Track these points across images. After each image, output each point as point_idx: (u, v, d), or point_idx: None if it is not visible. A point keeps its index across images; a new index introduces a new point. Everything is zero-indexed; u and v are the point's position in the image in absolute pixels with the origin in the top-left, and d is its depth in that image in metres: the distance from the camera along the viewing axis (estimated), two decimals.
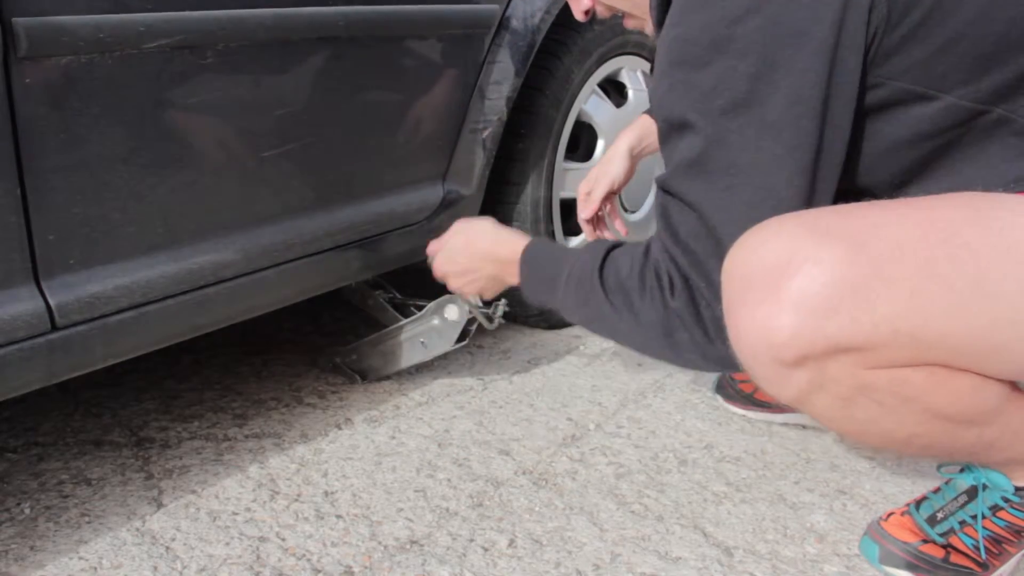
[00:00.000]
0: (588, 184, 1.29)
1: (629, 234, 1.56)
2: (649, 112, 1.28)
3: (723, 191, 0.81)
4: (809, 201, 0.79)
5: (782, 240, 0.74)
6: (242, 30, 0.94)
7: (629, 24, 1.04)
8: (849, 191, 0.86)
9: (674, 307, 0.85)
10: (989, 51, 0.76)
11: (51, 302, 0.86)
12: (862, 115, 0.81)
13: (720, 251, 0.81)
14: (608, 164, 1.27)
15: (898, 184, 0.85)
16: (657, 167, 1.58)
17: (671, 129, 0.84)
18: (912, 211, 0.75)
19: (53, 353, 0.88)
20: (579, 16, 1.06)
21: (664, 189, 0.86)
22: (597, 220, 1.33)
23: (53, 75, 0.81)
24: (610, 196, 1.31)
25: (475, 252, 1.12)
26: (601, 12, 1.05)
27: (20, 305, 0.84)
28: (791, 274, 0.72)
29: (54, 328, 0.87)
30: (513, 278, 1.07)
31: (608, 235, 1.34)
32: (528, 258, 1.04)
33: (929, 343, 0.72)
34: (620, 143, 1.27)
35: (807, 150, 0.78)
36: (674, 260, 0.85)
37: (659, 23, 0.88)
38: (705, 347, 0.86)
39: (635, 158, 1.27)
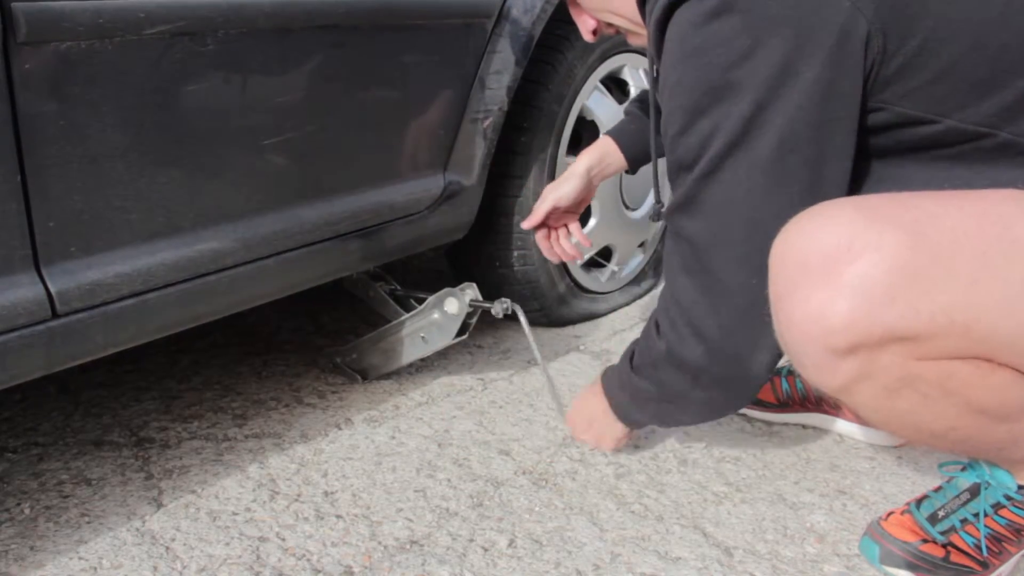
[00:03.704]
0: (542, 200, 1.27)
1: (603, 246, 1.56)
2: (611, 134, 1.27)
3: (717, 227, 0.85)
4: None
5: (840, 226, 0.74)
6: (242, 17, 0.94)
7: (633, 41, 1.05)
8: None
9: (660, 347, 0.95)
10: (986, 76, 0.77)
11: (51, 289, 0.86)
12: (865, 135, 0.83)
13: (711, 286, 0.87)
14: (561, 182, 1.26)
15: None
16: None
17: (678, 170, 0.88)
18: (966, 203, 0.75)
19: (53, 340, 0.87)
20: (587, 36, 1.07)
21: (668, 224, 0.92)
22: (552, 233, 1.31)
23: (53, 61, 0.80)
24: (562, 214, 1.29)
25: (587, 411, 1.18)
26: (608, 31, 1.06)
27: (20, 292, 0.83)
28: (850, 260, 0.72)
29: (55, 315, 0.87)
30: (612, 414, 1.12)
31: (568, 248, 1.31)
32: (605, 386, 1.12)
33: (981, 336, 0.72)
34: (579, 163, 1.26)
35: (799, 186, 0.81)
36: (672, 295, 0.92)
37: (656, 55, 0.90)
38: (695, 381, 0.93)
39: (592, 178, 1.26)
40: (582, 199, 1.27)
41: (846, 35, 0.76)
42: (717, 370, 0.90)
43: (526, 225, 1.28)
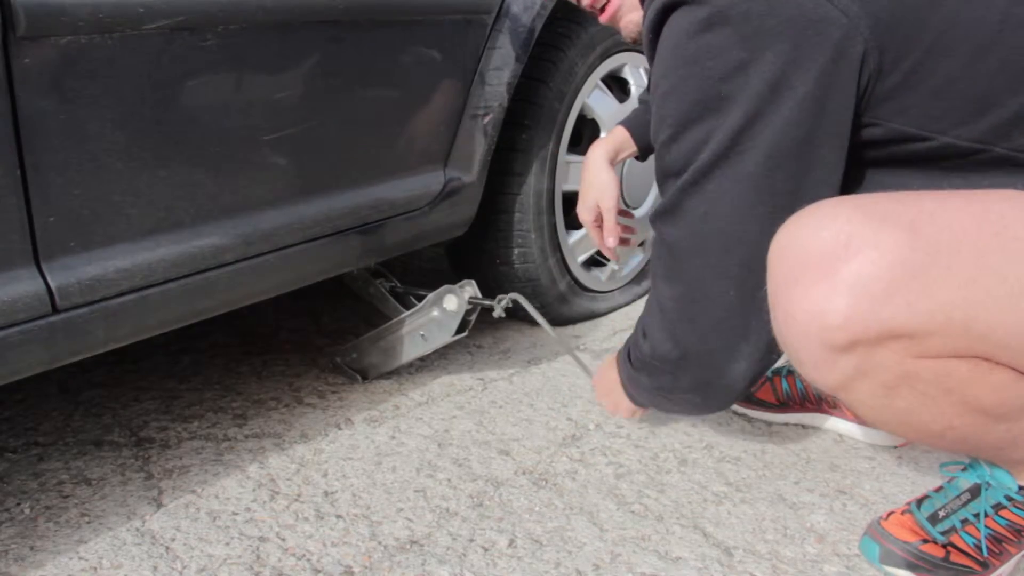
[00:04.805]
0: (590, 211, 1.25)
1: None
2: (625, 124, 1.28)
3: (698, 237, 0.86)
4: None
5: (839, 224, 0.74)
6: (242, 12, 0.94)
7: (625, 18, 1.04)
8: None
9: (646, 348, 0.98)
10: (982, 94, 0.78)
11: (52, 284, 0.86)
12: (859, 148, 0.83)
13: (689, 294, 0.89)
14: (600, 183, 1.23)
15: None
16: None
17: (664, 176, 0.89)
18: (965, 202, 0.75)
19: (54, 336, 0.87)
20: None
21: (653, 229, 0.94)
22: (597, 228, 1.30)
23: (52, 56, 0.80)
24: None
25: (606, 379, 1.18)
26: (587, 2, 1.06)
27: (20, 287, 0.83)
28: (849, 257, 0.72)
29: (55, 311, 0.87)
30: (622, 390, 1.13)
31: (619, 230, 1.29)
32: (618, 364, 1.12)
33: (979, 334, 0.72)
34: (597, 155, 1.24)
35: (783, 200, 0.81)
36: (655, 299, 0.94)
37: (650, 56, 0.91)
38: (675, 382, 0.97)
39: (614, 167, 1.27)
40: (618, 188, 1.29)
41: (841, 53, 0.76)
42: (695, 373, 0.93)
43: (611, 243, 1.27)
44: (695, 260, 0.87)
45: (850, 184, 0.86)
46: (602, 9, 1.07)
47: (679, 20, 0.82)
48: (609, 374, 1.18)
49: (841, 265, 0.72)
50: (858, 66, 0.77)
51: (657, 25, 0.86)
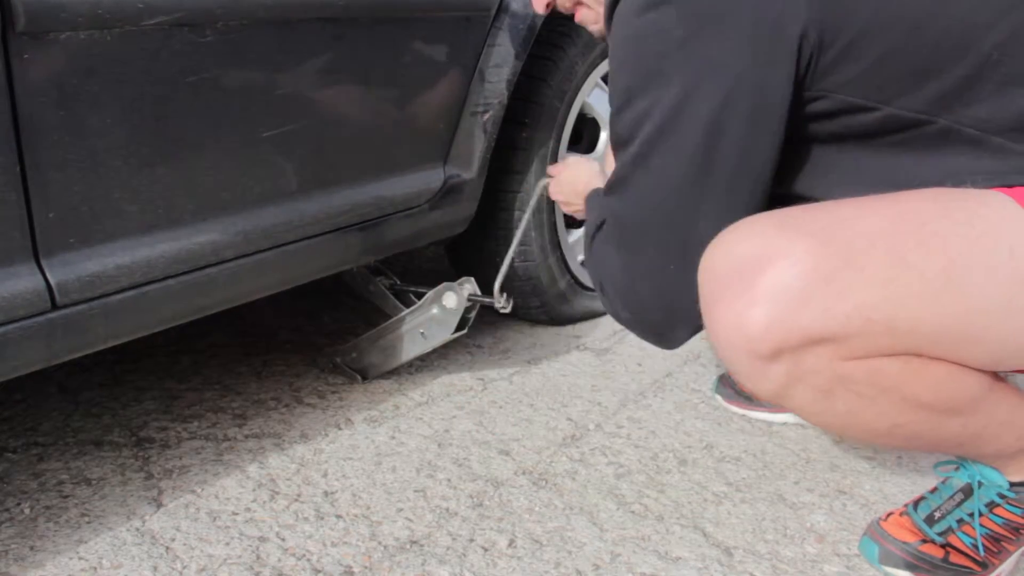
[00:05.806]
0: None
1: None
2: None
3: (643, 212, 0.89)
4: (728, 221, 0.82)
5: (755, 238, 0.76)
6: (242, 9, 0.94)
7: (580, 15, 1.07)
8: (804, 197, 0.89)
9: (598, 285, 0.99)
10: (923, 64, 0.78)
11: (51, 280, 0.85)
12: (809, 122, 0.84)
13: (633, 266, 0.91)
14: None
15: (852, 185, 0.86)
16: None
17: (616, 147, 0.92)
18: (882, 204, 0.77)
19: (54, 332, 0.87)
20: (539, 7, 1.08)
21: (604, 202, 0.96)
22: None
23: (52, 51, 0.80)
24: None
25: (574, 191, 1.23)
26: (562, 3, 1.07)
27: (20, 283, 0.83)
28: (763, 269, 0.74)
29: (55, 307, 0.86)
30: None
31: None
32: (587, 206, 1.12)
33: (903, 332, 0.73)
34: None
35: (724, 176, 0.83)
36: (602, 260, 0.97)
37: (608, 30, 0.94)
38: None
39: None
40: None
41: (779, 30, 0.78)
42: (638, 330, 0.98)
43: None
44: (639, 233, 0.90)
45: (803, 164, 0.88)
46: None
47: (628, 2, 0.86)
48: (574, 185, 1.22)
49: (758, 277, 0.74)
50: (796, 43, 0.78)
51: (610, 9, 0.90)
